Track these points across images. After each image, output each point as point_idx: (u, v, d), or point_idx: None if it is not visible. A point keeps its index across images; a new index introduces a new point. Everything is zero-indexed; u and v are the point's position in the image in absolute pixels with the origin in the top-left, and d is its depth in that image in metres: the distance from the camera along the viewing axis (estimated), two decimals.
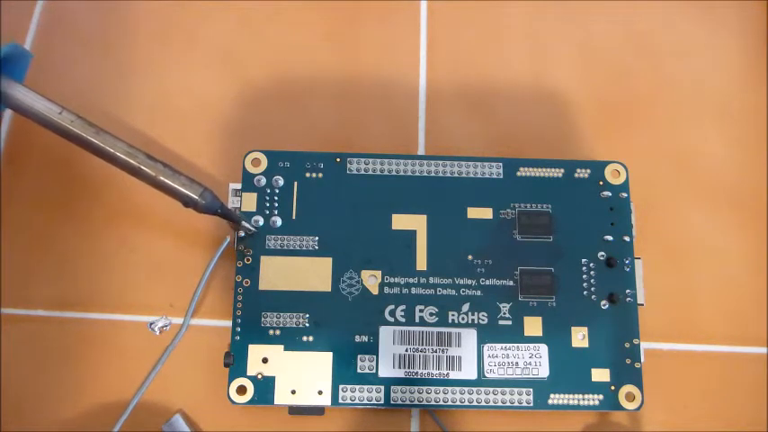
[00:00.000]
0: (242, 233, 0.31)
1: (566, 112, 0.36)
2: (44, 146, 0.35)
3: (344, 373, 0.30)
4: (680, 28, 0.38)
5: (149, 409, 0.31)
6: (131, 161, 0.29)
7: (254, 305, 0.30)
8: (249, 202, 0.32)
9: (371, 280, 0.31)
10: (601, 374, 0.30)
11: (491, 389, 0.30)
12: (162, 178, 0.29)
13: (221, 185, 0.32)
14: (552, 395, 0.30)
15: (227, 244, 0.31)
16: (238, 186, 0.32)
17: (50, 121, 0.30)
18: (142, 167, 0.29)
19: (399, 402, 0.30)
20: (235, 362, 0.30)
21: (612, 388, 0.30)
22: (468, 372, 0.30)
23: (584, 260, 0.31)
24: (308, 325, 0.30)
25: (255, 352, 0.30)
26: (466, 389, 0.30)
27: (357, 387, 0.30)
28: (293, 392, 0.30)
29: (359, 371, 0.30)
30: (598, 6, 0.38)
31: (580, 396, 0.30)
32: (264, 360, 0.30)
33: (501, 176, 0.32)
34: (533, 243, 0.32)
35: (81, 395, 0.31)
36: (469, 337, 0.30)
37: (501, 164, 0.32)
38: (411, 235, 0.31)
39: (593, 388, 0.30)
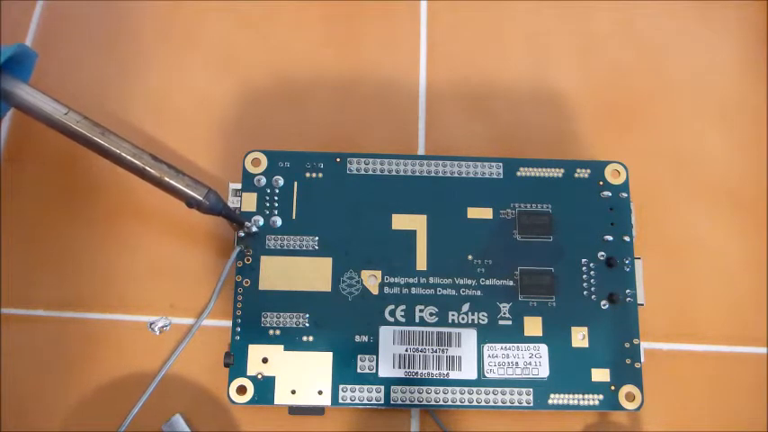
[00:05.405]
0: (242, 233, 0.31)
1: (566, 112, 0.36)
2: (45, 145, 0.35)
3: (344, 373, 0.30)
4: (680, 28, 0.38)
5: (149, 408, 0.31)
6: (137, 162, 0.29)
7: (255, 305, 0.30)
8: (249, 202, 0.32)
9: (371, 280, 0.31)
10: (601, 374, 0.30)
11: (491, 389, 0.30)
12: (167, 179, 0.29)
13: (221, 185, 0.32)
14: (552, 395, 0.30)
15: (237, 252, 0.31)
16: (238, 186, 0.32)
17: (57, 122, 0.30)
18: (147, 168, 0.29)
19: (399, 402, 0.30)
20: (235, 362, 0.30)
21: (612, 388, 0.30)
22: (468, 372, 0.30)
23: (584, 260, 0.31)
24: (308, 325, 0.30)
25: (255, 352, 0.30)
26: (466, 389, 0.30)
27: (357, 387, 0.30)
28: (293, 392, 0.30)
29: (359, 371, 0.30)
30: (598, 6, 0.38)
31: (580, 396, 0.30)
32: (264, 360, 0.30)
33: (501, 176, 0.32)
34: (533, 243, 0.32)
35: (81, 395, 0.31)
36: (469, 337, 0.30)
37: (501, 164, 0.32)
38: (411, 235, 0.31)
39: (593, 388, 0.30)
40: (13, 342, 0.32)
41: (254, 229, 0.31)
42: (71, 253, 0.33)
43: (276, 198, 0.32)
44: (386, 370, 0.30)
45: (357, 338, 0.30)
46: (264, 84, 0.36)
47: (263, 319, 0.30)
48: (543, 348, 0.30)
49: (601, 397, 0.30)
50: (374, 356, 0.30)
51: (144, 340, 0.32)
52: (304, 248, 0.31)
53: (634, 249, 0.32)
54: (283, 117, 0.36)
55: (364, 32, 0.37)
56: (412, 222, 0.32)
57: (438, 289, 0.31)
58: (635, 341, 0.31)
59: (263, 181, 0.32)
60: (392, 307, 0.31)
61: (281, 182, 0.32)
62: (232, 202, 0.32)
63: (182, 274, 0.33)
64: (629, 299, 0.31)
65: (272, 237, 0.31)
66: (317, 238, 0.31)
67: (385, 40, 0.37)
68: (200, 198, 0.29)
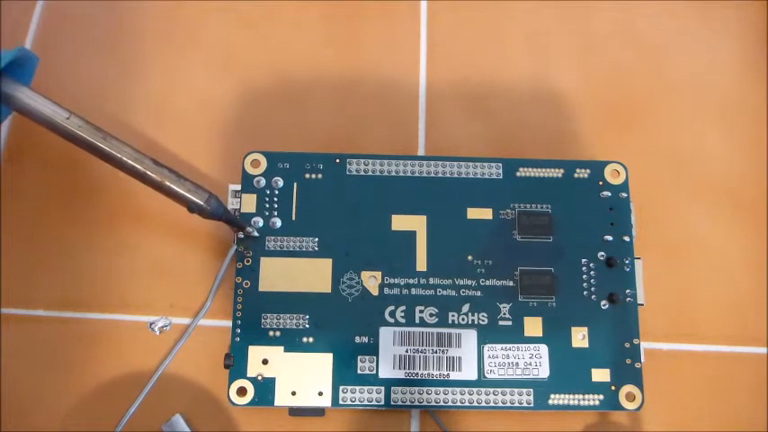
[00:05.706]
0: (242, 235, 0.31)
1: (566, 112, 0.36)
2: (45, 146, 0.35)
3: (345, 374, 0.30)
4: (680, 28, 0.38)
5: (149, 408, 0.31)
6: (138, 166, 0.29)
7: (254, 306, 0.30)
8: (249, 203, 0.32)
9: (371, 281, 0.31)
10: (601, 374, 0.30)
11: (491, 389, 0.30)
12: (168, 184, 0.29)
13: (221, 187, 0.32)
14: (552, 395, 0.30)
15: (234, 251, 0.31)
16: (238, 188, 0.32)
17: (58, 126, 0.30)
18: (148, 173, 0.29)
19: (399, 403, 0.30)
20: (235, 363, 0.30)
21: (613, 388, 0.30)
22: (469, 372, 0.30)
23: (584, 260, 0.31)
24: (308, 326, 0.30)
25: (255, 353, 0.30)
26: (466, 389, 0.30)
27: (357, 388, 0.30)
28: (293, 394, 0.30)
29: (359, 372, 0.30)
30: (598, 6, 0.38)
31: (580, 396, 0.30)
32: (264, 361, 0.30)
33: (501, 177, 0.32)
34: (533, 243, 0.32)
35: (81, 395, 0.31)
36: (469, 337, 0.30)
37: (501, 164, 0.32)
38: (411, 236, 0.31)
39: (593, 388, 0.30)
40: (13, 342, 0.32)
41: (255, 233, 0.31)
42: (71, 253, 0.33)
43: (276, 199, 0.32)
44: (386, 371, 0.30)
45: (357, 339, 0.30)
46: (264, 84, 0.36)
47: (262, 320, 0.30)
48: (543, 348, 0.30)
49: (601, 397, 0.30)
50: (374, 357, 0.30)
51: (144, 340, 0.32)
52: (304, 249, 0.31)
53: (634, 249, 0.32)
54: (283, 117, 0.36)
55: (364, 32, 0.37)
56: (412, 223, 0.32)
57: (438, 290, 0.31)
58: (635, 341, 0.31)
59: (263, 182, 0.32)
60: (392, 308, 0.31)
61: (281, 183, 0.32)
62: (231, 204, 0.32)
63: (181, 274, 0.33)
64: (629, 299, 0.31)
65: (272, 238, 0.31)
66: (316, 239, 0.31)
67: (385, 40, 0.37)
68: (202, 203, 0.29)
